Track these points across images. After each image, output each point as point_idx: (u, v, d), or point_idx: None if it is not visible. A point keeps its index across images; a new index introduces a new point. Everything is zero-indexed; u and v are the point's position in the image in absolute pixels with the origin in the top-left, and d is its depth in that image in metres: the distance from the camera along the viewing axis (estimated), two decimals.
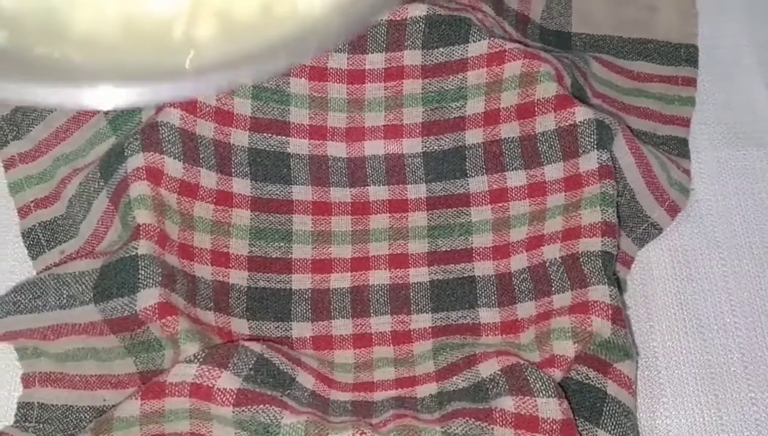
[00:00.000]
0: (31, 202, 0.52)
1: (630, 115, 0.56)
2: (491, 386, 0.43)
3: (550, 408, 0.41)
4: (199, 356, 0.42)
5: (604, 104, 0.55)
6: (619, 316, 0.45)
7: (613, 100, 0.56)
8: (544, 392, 0.42)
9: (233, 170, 0.50)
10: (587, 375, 0.43)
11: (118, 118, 0.51)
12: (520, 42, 0.55)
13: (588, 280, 0.46)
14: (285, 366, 0.43)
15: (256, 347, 0.44)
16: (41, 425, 0.45)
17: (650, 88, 0.58)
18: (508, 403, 0.41)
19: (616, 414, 0.43)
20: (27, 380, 0.46)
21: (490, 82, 0.51)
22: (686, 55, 0.59)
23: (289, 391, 0.43)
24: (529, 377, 0.42)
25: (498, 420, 0.41)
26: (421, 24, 0.51)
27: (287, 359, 0.44)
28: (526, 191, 0.50)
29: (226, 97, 0.50)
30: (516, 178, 0.51)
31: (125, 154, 0.47)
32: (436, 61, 0.51)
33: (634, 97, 0.57)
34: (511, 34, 0.56)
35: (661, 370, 0.48)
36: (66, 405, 0.45)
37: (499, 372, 0.43)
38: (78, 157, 0.52)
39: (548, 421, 0.41)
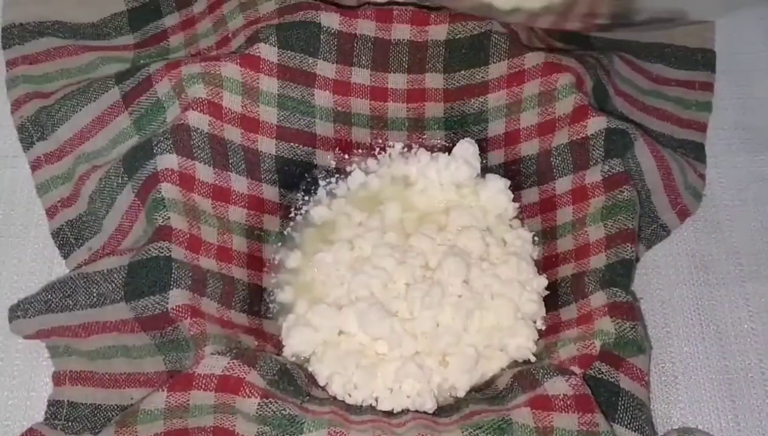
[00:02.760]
0: (58, 202, 0.53)
1: (650, 117, 0.56)
2: (506, 393, 0.44)
3: (557, 385, 0.42)
4: (231, 352, 0.43)
5: (626, 103, 0.56)
6: (622, 310, 0.45)
7: (635, 100, 0.57)
8: (547, 376, 0.43)
9: (263, 177, 0.52)
10: (599, 369, 0.44)
11: (143, 118, 0.52)
12: (544, 43, 0.56)
13: (587, 290, 0.47)
14: (303, 383, 0.45)
15: (280, 358, 0.45)
16: (70, 423, 0.46)
17: (668, 92, 0.58)
18: (522, 399, 0.42)
19: (631, 408, 0.44)
20: (58, 379, 0.47)
21: (510, 104, 0.52)
22: (704, 60, 0.59)
23: (308, 398, 0.44)
24: (535, 373, 0.43)
25: (512, 409, 0.42)
26: (441, 48, 0.52)
27: (306, 377, 0.46)
28: (538, 207, 0.52)
29: (252, 104, 0.51)
30: (530, 195, 0.52)
31: (154, 151, 0.48)
32: (457, 84, 0.53)
33: (653, 99, 0.58)
34: (537, 32, 0.56)
35: (678, 375, 0.48)
36: (94, 404, 0.46)
37: (512, 379, 0.44)
38: (99, 157, 0.52)
39: (560, 397, 0.42)
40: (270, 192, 0.52)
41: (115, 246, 0.50)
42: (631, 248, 0.47)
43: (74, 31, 0.58)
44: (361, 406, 0.46)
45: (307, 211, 0.53)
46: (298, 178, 0.53)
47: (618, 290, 0.46)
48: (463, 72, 0.52)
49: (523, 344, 0.47)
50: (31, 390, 0.48)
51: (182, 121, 0.49)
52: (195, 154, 0.48)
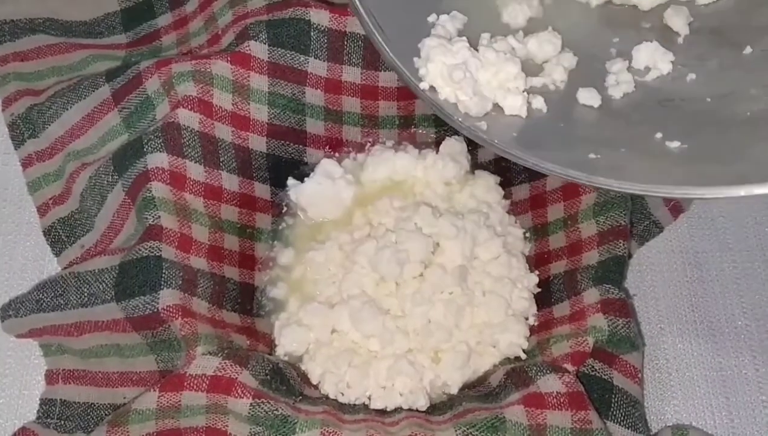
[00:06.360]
0: (49, 199, 0.52)
1: None
2: (499, 390, 0.44)
3: (549, 383, 0.42)
4: (222, 352, 0.43)
5: None
6: (615, 307, 0.45)
7: None
8: (540, 373, 0.43)
9: (254, 175, 0.51)
10: (593, 367, 0.44)
11: (132, 115, 0.51)
12: None
13: (579, 287, 0.47)
14: (295, 382, 0.45)
15: (272, 357, 0.45)
16: (63, 422, 0.46)
17: None
18: (515, 397, 0.42)
19: (625, 405, 0.44)
20: (50, 377, 0.47)
21: None
22: None
23: (301, 397, 0.44)
24: (528, 370, 0.43)
25: (506, 407, 0.42)
26: None
27: (298, 376, 0.45)
28: (529, 204, 0.51)
29: (243, 102, 0.51)
30: (521, 192, 0.52)
31: (144, 150, 0.48)
32: None
33: None
34: None
35: (672, 372, 0.48)
36: (87, 402, 0.46)
37: (504, 377, 0.44)
38: (88, 154, 0.52)
39: (553, 395, 0.42)
40: (261, 190, 0.52)
41: (107, 244, 0.50)
42: (623, 244, 0.47)
43: (66, 29, 0.58)
44: (354, 405, 0.46)
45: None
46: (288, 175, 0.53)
47: (611, 286, 0.46)
48: None
49: (514, 340, 0.47)
50: (23, 389, 0.48)
51: (172, 120, 0.49)
52: (185, 153, 0.48)
